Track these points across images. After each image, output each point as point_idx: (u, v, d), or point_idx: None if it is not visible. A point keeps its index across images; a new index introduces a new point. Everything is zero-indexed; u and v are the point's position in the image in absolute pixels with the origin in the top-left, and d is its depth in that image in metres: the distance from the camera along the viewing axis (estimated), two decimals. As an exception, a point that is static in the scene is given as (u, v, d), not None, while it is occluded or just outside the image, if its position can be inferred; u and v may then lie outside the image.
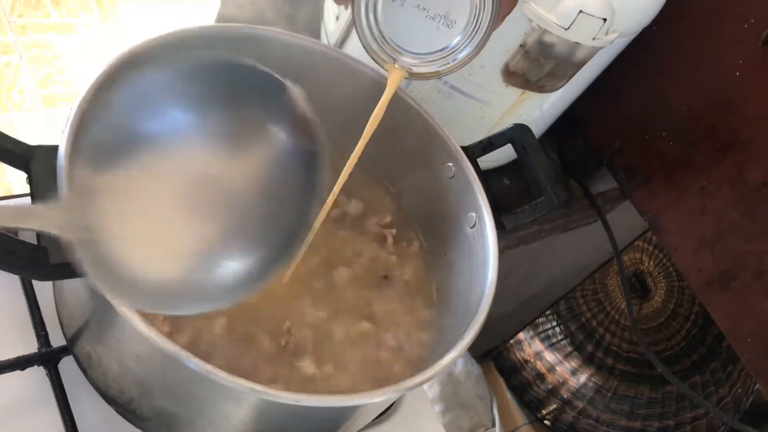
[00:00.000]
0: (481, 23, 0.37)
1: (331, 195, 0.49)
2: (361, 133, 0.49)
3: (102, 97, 0.43)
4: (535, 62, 0.61)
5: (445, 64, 0.40)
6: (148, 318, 0.37)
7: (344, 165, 0.50)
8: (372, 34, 0.39)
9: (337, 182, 0.49)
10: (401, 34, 0.39)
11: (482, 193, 0.53)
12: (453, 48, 0.39)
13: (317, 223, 0.48)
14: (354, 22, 0.39)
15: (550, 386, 1.46)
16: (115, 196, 0.32)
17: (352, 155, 0.48)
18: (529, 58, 0.61)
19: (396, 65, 0.41)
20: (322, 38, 0.75)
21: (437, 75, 0.41)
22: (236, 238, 0.35)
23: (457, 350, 0.43)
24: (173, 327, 0.45)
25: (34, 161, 0.40)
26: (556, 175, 0.55)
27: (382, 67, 0.41)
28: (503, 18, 0.37)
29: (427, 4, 0.37)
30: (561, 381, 1.45)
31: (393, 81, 0.44)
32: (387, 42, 0.39)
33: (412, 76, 0.41)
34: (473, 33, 0.38)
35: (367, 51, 0.40)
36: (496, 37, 0.60)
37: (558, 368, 1.45)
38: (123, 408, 0.46)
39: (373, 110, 0.48)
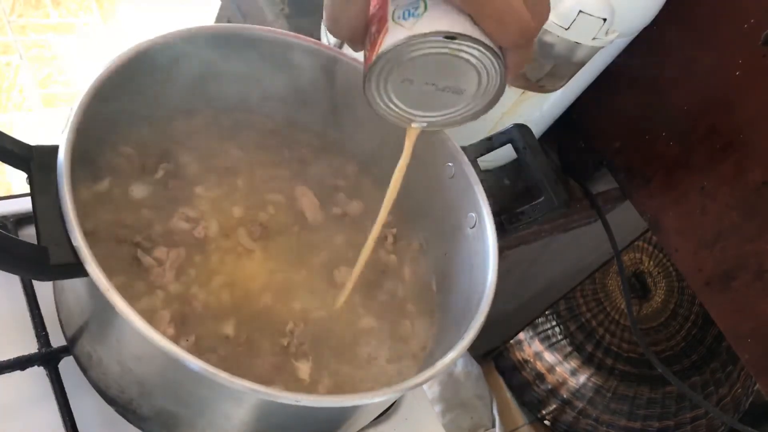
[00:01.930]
0: (489, 88, 0.39)
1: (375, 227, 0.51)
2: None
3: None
4: (535, 62, 0.61)
5: (459, 117, 0.42)
6: (149, 318, 0.37)
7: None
8: (387, 107, 0.41)
9: (377, 222, 0.50)
10: (414, 104, 0.41)
11: (482, 193, 0.53)
12: (465, 107, 0.41)
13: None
14: (368, 101, 0.40)
15: (550, 386, 1.46)
16: None
17: (384, 204, 0.50)
18: (529, 58, 0.61)
19: (413, 125, 0.43)
20: (322, 38, 0.75)
21: (453, 125, 0.43)
22: None
23: (457, 350, 0.43)
24: (178, 329, 0.45)
25: (34, 161, 0.40)
26: (556, 175, 0.55)
27: (400, 125, 0.44)
28: (514, 75, 0.38)
29: (435, 80, 0.39)
30: (561, 381, 1.45)
31: (411, 138, 0.46)
32: (402, 111, 0.42)
33: (429, 126, 0.43)
34: (483, 95, 0.40)
35: (383, 118, 0.42)
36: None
37: (558, 368, 1.46)
38: (123, 408, 0.46)
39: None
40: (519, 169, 0.56)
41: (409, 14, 0.37)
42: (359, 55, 0.54)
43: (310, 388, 0.48)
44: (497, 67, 0.37)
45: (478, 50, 0.36)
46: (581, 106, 0.75)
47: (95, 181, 0.50)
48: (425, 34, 0.36)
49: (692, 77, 0.71)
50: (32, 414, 0.50)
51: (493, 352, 1.50)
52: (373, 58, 0.38)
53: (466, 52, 0.36)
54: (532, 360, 1.47)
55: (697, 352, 1.35)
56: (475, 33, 0.36)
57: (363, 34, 0.39)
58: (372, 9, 0.39)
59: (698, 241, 0.73)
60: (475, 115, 0.41)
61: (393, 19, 0.37)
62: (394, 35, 0.37)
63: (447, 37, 0.35)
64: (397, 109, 0.41)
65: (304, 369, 0.48)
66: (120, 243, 0.48)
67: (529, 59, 0.39)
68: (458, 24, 0.36)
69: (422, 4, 0.36)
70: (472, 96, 0.40)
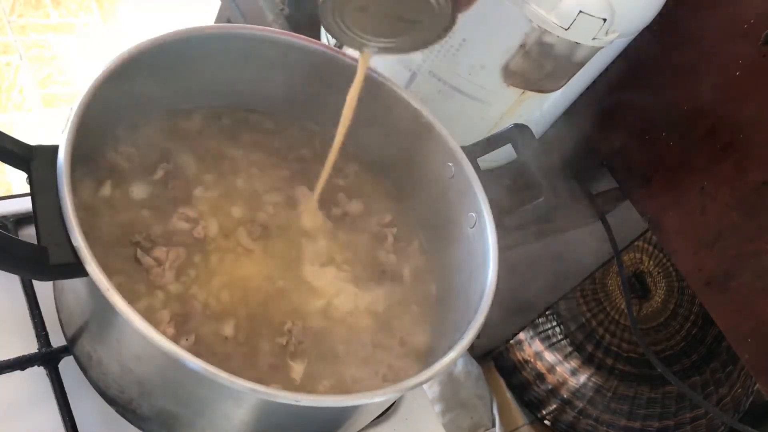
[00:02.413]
0: (442, 16, 0.40)
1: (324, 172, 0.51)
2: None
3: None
4: (535, 62, 0.61)
5: (412, 44, 0.43)
6: (149, 318, 0.37)
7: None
8: (342, 31, 0.42)
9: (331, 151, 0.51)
10: (369, 30, 0.42)
11: (482, 193, 0.53)
12: (419, 35, 0.42)
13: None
14: (323, 25, 0.41)
15: (550, 386, 1.46)
16: None
17: (336, 137, 0.51)
18: (529, 58, 0.61)
19: (365, 50, 0.44)
20: (322, 38, 0.75)
21: (406, 52, 0.43)
22: None
23: (457, 350, 0.43)
24: (178, 329, 0.45)
25: (34, 161, 0.40)
26: (556, 175, 0.55)
27: (353, 49, 0.45)
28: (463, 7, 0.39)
29: (390, 8, 0.40)
30: (561, 381, 1.45)
31: (363, 62, 0.47)
32: (356, 35, 0.43)
33: (382, 52, 0.44)
34: (436, 24, 0.40)
35: (338, 40, 0.43)
36: (496, 38, 0.60)
37: (558, 368, 1.46)
38: (123, 408, 0.46)
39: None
40: (519, 169, 0.56)
41: None
42: (359, 55, 0.54)
43: (309, 388, 0.48)
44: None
45: None
46: (581, 106, 0.75)
47: (95, 181, 0.50)
48: None
49: (692, 77, 0.71)
50: (32, 414, 0.50)
51: (493, 352, 1.50)
52: None
53: None
54: (532, 360, 1.47)
55: (697, 352, 1.35)
56: None
57: None
58: None
59: (698, 241, 0.73)
60: (427, 43, 0.42)
61: None
62: None
63: None
64: (351, 34, 0.42)
65: (297, 369, 0.48)
66: (120, 243, 0.48)
67: None
68: None
69: None
70: (425, 27, 0.40)
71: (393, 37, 0.42)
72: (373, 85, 0.54)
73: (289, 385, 0.47)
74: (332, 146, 0.52)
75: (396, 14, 0.40)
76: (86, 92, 0.43)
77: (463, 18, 0.47)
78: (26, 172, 0.40)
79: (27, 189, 0.40)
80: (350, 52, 0.56)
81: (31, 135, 1.50)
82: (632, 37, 0.66)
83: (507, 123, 0.58)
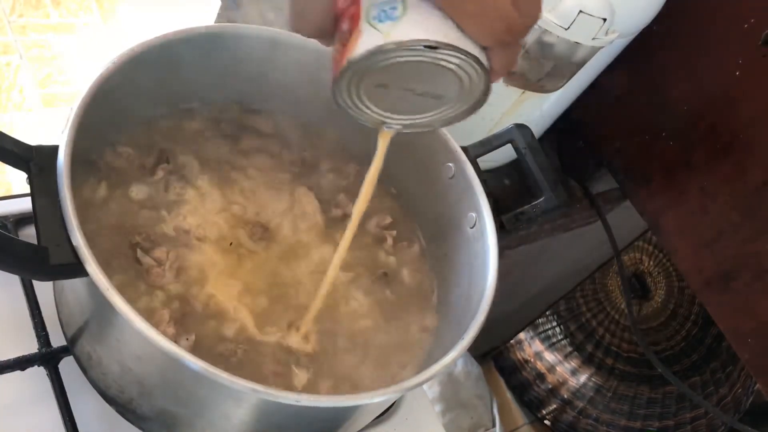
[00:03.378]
0: (472, 92, 0.36)
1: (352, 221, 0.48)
2: (364, 130, 0.49)
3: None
4: (535, 62, 0.61)
5: (438, 121, 0.39)
6: (149, 318, 0.37)
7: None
8: (359, 109, 0.37)
9: (354, 215, 0.47)
10: (389, 108, 0.38)
11: (482, 193, 0.53)
12: (445, 111, 0.38)
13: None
14: (336, 103, 0.37)
15: (550, 386, 1.46)
16: None
17: (355, 210, 0.47)
18: (529, 58, 0.61)
19: (385, 128, 0.40)
20: (322, 38, 0.75)
21: (430, 129, 0.39)
22: None
23: (457, 350, 0.43)
24: (178, 329, 0.45)
25: (34, 161, 0.40)
26: (556, 175, 0.55)
27: (372, 127, 0.40)
28: (500, 76, 0.36)
29: (412, 85, 0.35)
30: (561, 381, 1.45)
31: (384, 141, 0.42)
32: (375, 114, 0.38)
33: (404, 129, 0.40)
34: (465, 99, 0.36)
35: (354, 119, 0.38)
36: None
37: (558, 368, 1.46)
38: (123, 408, 0.46)
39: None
40: (519, 169, 0.56)
41: (385, 16, 0.33)
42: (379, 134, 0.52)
43: (309, 388, 0.48)
44: (480, 72, 0.34)
45: (460, 58, 0.33)
46: (581, 106, 0.75)
47: (95, 181, 0.50)
48: (403, 43, 0.32)
49: (692, 77, 0.71)
50: (32, 414, 0.50)
51: (493, 352, 1.50)
52: (344, 63, 0.34)
53: (447, 60, 0.33)
54: (532, 360, 1.47)
55: (697, 352, 1.35)
56: (458, 40, 0.32)
57: (331, 30, 0.36)
58: (341, 2, 0.35)
59: (698, 241, 0.73)
60: (456, 119, 0.38)
61: (368, 21, 0.33)
62: (368, 40, 0.33)
63: (427, 47, 0.32)
64: (369, 112, 0.38)
65: (303, 368, 0.48)
66: (120, 243, 0.48)
67: (515, 60, 0.36)
68: (439, 30, 0.32)
69: (400, 6, 0.32)
70: (453, 100, 0.37)
71: (417, 114, 0.38)
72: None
73: (301, 383, 0.47)
74: (351, 220, 0.47)
75: (420, 91, 0.35)
76: (86, 92, 0.43)
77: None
78: (26, 172, 0.40)
79: (27, 189, 0.40)
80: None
81: (31, 135, 1.50)
82: (632, 37, 0.66)
83: (507, 123, 0.58)
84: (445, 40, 0.32)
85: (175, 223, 0.50)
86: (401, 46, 0.32)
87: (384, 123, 0.39)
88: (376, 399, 0.41)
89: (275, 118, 0.60)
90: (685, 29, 0.70)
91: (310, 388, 0.48)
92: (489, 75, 0.34)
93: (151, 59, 0.48)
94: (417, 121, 0.39)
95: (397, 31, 0.32)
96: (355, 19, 0.34)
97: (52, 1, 1.90)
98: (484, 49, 0.34)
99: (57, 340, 0.51)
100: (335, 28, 0.35)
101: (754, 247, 0.68)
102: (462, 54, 0.33)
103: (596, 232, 0.87)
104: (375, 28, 0.33)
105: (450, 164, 0.55)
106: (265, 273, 0.52)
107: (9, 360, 0.49)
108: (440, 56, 0.33)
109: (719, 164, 0.69)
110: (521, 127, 0.56)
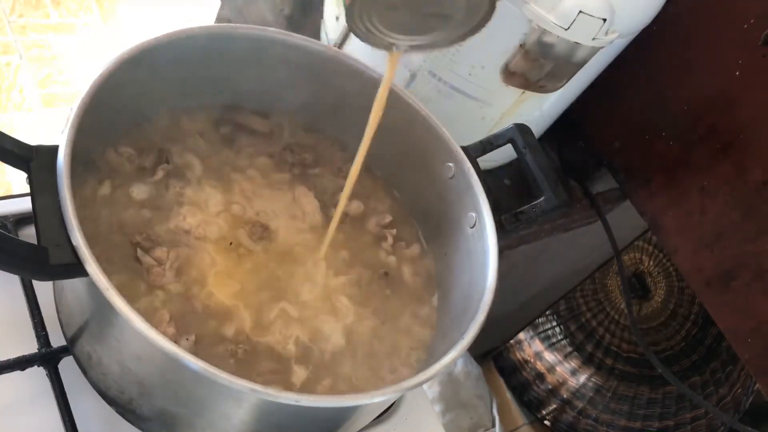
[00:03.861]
0: (477, 10, 0.37)
1: (342, 196, 0.50)
2: (364, 130, 0.49)
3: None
4: (535, 62, 0.61)
5: (444, 41, 0.40)
6: (149, 318, 0.37)
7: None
8: (369, 32, 0.39)
9: (349, 178, 0.49)
10: (398, 29, 0.39)
11: (482, 193, 0.53)
12: (452, 31, 0.39)
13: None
14: (349, 27, 0.38)
15: (550, 386, 1.46)
16: None
17: (361, 146, 0.49)
18: (529, 58, 0.61)
19: (394, 49, 0.42)
20: (322, 38, 0.75)
21: (437, 48, 0.41)
22: None
23: (457, 350, 0.43)
24: (178, 329, 0.45)
25: (34, 161, 0.40)
26: (556, 175, 0.55)
27: (381, 49, 0.42)
28: None
29: (422, 6, 0.37)
30: (561, 381, 1.45)
31: (393, 62, 0.44)
32: (385, 35, 0.39)
33: (412, 50, 0.41)
34: (470, 18, 0.37)
35: (364, 42, 0.40)
36: (496, 38, 0.60)
37: (558, 368, 1.46)
38: (123, 408, 0.46)
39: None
40: (519, 169, 0.56)
41: None
42: (359, 56, 0.54)
43: (309, 388, 0.48)
44: None
45: None
46: (581, 106, 0.75)
47: (95, 181, 0.50)
48: None
49: (692, 77, 0.71)
50: (32, 414, 0.50)
51: (493, 352, 1.50)
52: None
53: None
54: (532, 360, 1.47)
55: (697, 352, 1.35)
56: None
57: None
58: None
59: (698, 241, 0.73)
60: (460, 38, 0.39)
61: None
62: None
63: None
64: (379, 34, 0.39)
65: (304, 368, 0.48)
66: (120, 243, 0.48)
67: None
68: None
69: None
70: (459, 21, 0.37)
71: (424, 33, 0.39)
72: (374, 86, 0.54)
73: (301, 383, 0.47)
74: (356, 156, 0.50)
75: (427, 11, 0.37)
76: (86, 92, 0.43)
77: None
78: (26, 172, 0.40)
79: (27, 189, 0.40)
80: (350, 52, 0.56)
81: (31, 135, 1.50)
82: (632, 37, 0.66)
83: (507, 123, 0.58)
84: None
85: (175, 223, 0.50)
86: None
87: (393, 44, 0.41)
88: (376, 399, 0.41)
89: (274, 118, 0.60)
90: (685, 29, 0.70)
91: (308, 386, 0.48)
92: None
93: (151, 59, 0.48)
94: (424, 41, 0.40)
95: None
96: None
97: (52, 1, 1.90)
98: None
99: (57, 340, 0.51)
100: None
101: (754, 247, 0.68)
102: None
103: (596, 232, 0.87)
104: None
105: (450, 164, 0.55)
106: (265, 272, 0.52)
107: (9, 360, 0.49)
108: None
109: (719, 164, 0.69)
110: (521, 127, 0.56)
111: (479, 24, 0.38)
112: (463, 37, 0.39)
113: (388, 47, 0.41)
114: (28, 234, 0.57)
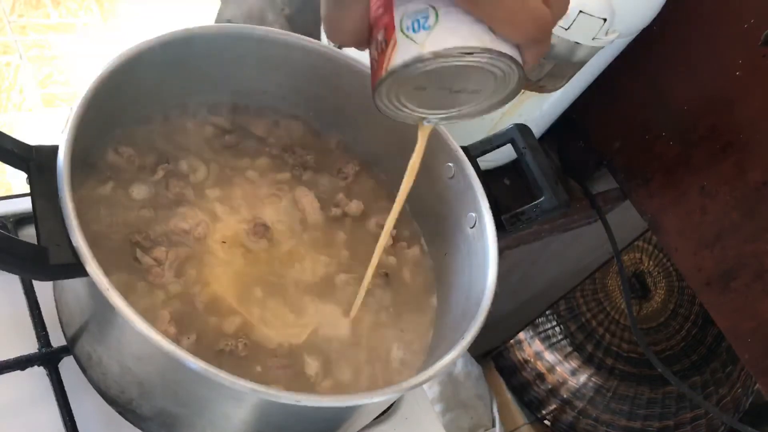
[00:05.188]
0: (506, 85, 0.37)
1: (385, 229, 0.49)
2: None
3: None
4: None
5: (473, 112, 0.40)
6: (149, 318, 0.37)
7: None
8: (398, 110, 0.39)
9: (389, 218, 0.49)
10: (427, 105, 0.39)
11: (482, 193, 0.53)
12: (481, 104, 0.39)
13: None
14: (377, 107, 0.39)
15: (550, 386, 1.46)
16: None
17: (396, 204, 0.49)
18: (529, 58, 0.61)
19: (425, 123, 0.42)
20: (322, 38, 0.75)
21: (467, 119, 0.41)
22: None
23: (457, 350, 0.43)
24: (178, 329, 0.45)
25: (34, 161, 0.40)
26: (556, 175, 0.55)
27: (411, 124, 0.42)
28: (532, 66, 0.37)
29: (449, 85, 0.37)
30: (561, 381, 1.45)
31: (423, 135, 0.45)
32: (414, 112, 0.40)
33: (443, 122, 0.42)
34: (500, 92, 0.38)
35: (394, 119, 0.40)
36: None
37: (558, 368, 1.46)
38: (123, 408, 0.46)
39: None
40: (519, 169, 0.56)
41: (419, 26, 0.34)
42: (359, 56, 0.54)
43: (310, 388, 0.48)
44: (514, 68, 0.35)
45: (495, 58, 0.34)
46: (581, 106, 0.75)
47: (95, 181, 0.50)
48: (439, 52, 0.33)
49: (692, 77, 0.71)
50: (32, 414, 0.50)
51: (493, 352, 1.50)
52: (383, 74, 0.35)
53: (482, 61, 0.34)
54: (532, 360, 1.47)
55: (697, 352, 1.35)
56: (492, 43, 0.33)
57: (366, 38, 0.37)
58: (374, 11, 0.36)
59: (698, 241, 0.73)
60: (492, 108, 0.40)
61: (402, 31, 0.34)
62: (404, 51, 0.34)
63: (463, 52, 0.33)
64: (408, 111, 0.39)
65: (304, 368, 0.48)
66: (120, 243, 0.48)
67: (547, 49, 0.37)
68: (473, 35, 0.33)
69: (433, 14, 0.34)
70: (489, 94, 0.38)
71: (454, 107, 0.40)
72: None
73: (302, 382, 0.47)
74: (386, 224, 0.49)
75: (457, 88, 0.37)
76: (86, 92, 0.43)
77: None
78: (26, 172, 0.40)
79: (27, 189, 0.40)
80: (351, 52, 0.56)
81: (31, 135, 1.50)
82: (632, 37, 0.66)
83: (507, 123, 0.58)
84: (480, 45, 0.33)
85: (174, 222, 0.50)
86: (438, 55, 0.33)
87: (423, 119, 0.41)
88: (376, 399, 0.41)
89: (275, 118, 0.60)
90: (685, 29, 0.70)
91: (312, 385, 0.48)
92: (523, 68, 0.35)
93: (151, 59, 0.48)
94: (454, 113, 0.41)
95: (432, 40, 0.33)
96: (389, 30, 0.35)
97: (52, 1, 1.90)
98: (517, 46, 0.35)
99: (57, 340, 0.51)
100: (369, 35, 0.37)
101: (754, 247, 0.68)
102: (496, 55, 0.34)
103: (596, 232, 0.87)
104: (410, 38, 0.34)
105: (450, 164, 0.55)
106: (266, 272, 0.52)
107: (9, 360, 0.49)
108: (476, 59, 0.34)
109: (719, 164, 0.69)
110: (521, 127, 0.56)
111: (509, 96, 0.38)
112: (494, 108, 0.40)
113: (418, 121, 0.41)
114: (28, 234, 0.57)
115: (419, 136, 0.45)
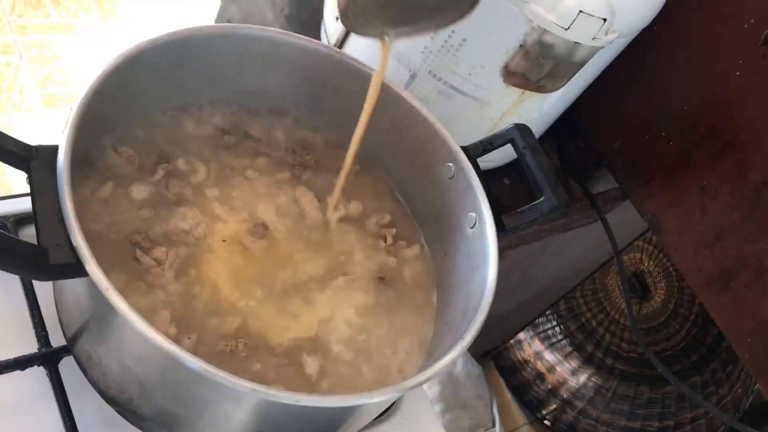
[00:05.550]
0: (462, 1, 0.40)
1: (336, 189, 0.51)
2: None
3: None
4: (535, 62, 0.61)
5: (432, 27, 0.44)
6: (150, 318, 0.37)
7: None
8: (363, 28, 0.43)
9: (343, 169, 0.51)
10: (390, 23, 0.43)
11: (482, 193, 0.53)
12: (439, 20, 0.43)
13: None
14: (344, 26, 0.43)
15: (550, 386, 1.46)
16: None
17: (356, 132, 0.51)
18: (529, 58, 0.61)
19: (386, 38, 0.45)
20: (322, 38, 0.75)
21: (425, 34, 0.45)
22: None
23: (457, 350, 0.43)
24: (179, 329, 0.45)
25: (34, 161, 0.40)
26: (556, 175, 0.55)
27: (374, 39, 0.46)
28: None
29: (414, 2, 0.40)
30: (561, 381, 1.45)
31: (385, 50, 0.48)
32: (378, 29, 0.44)
33: (402, 36, 0.46)
34: (456, 6, 0.40)
35: (358, 35, 0.45)
36: (496, 38, 0.60)
37: (558, 368, 1.46)
38: (123, 408, 0.46)
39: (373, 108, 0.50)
40: (519, 169, 0.56)
41: None
42: (359, 55, 0.54)
43: (310, 388, 0.48)
44: None
45: None
46: (581, 106, 0.75)
47: (95, 181, 0.50)
48: None
49: (692, 77, 0.71)
50: (32, 414, 0.50)
51: (493, 352, 1.50)
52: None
53: None
54: (532, 360, 1.47)
55: (697, 352, 1.35)
56: None
57: None
58: None
59: (698, 241, 0.73)
60: (447, 23, 0.43)
61: None
62: None
63: None
64: (371, 28, 0.43)
65: (304, 368, 0.48)
66: (120, 243, 0.48)
67: None
68: None
69: None
70: (449, 8, 0.41)
71: (414, 23, 0.43)
72: (373, 85, 0.54)
73: (302, 382, 0.47)
74: (350, 144, 0.52)
75: (417, 5, 0.40)
76: (86, 92, 0.43)
77: (463, 18, 0.47)
78: (26, 172, 0.40)
79: (27, 189, 0.40)
80: (350, 52, 0.56)
81: (31, 135, 1.50)
82: (632, 37, 0.66)
83: (507, 123, 0.58)
84: None
85: (174, 222, 0.50)
86: None
87: (384, 34, 0.44)
88: (376, 399, 0.41)
89: (274, 118, 0.60)
90: (685, 29, 0.70)
91: (312, 385, 0.48)
92: None
93: (151, 59, 0.48)
94: (414, 29, 0.44)
95: None
96: None
97: (52, 1, 1.90)
98: None
99: (57, 340, 0.51)
100: None
101: (754, 247, 0.68)
102: None
103: (596, 232, 0.87)
104: None
105: (450, 164, 0.55)
106: (265, 271, 0.52)
107: (9, 360, 0.49)
108: None
109: (719, 164, 0.69)
110: (521, 127, 0.56)
111: (464, 11, 0.41)
112: (450, 23, 0.43)
113: (380, 36, 0.44)
114: (28, 234, 0.57)
115: (381, 51, 0.47)
